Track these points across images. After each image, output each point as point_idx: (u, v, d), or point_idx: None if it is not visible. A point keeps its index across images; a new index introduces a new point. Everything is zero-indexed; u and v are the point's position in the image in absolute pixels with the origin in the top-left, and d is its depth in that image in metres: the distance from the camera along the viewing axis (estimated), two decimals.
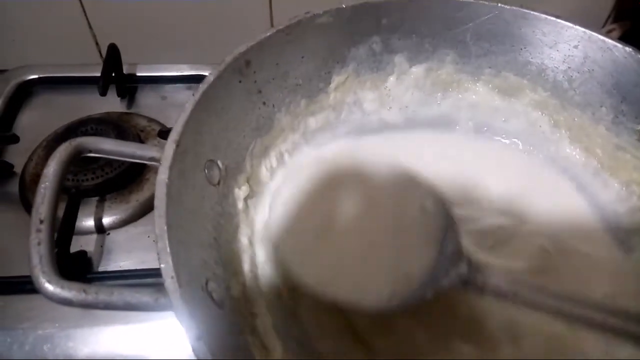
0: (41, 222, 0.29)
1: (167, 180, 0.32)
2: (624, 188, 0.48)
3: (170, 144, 0.34)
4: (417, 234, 0.41)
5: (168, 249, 0.30)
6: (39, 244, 0.29)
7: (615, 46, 0.47)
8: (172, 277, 0.29)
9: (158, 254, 0.30)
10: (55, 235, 0.47)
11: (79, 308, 0.29)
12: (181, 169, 0.34)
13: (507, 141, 0.54)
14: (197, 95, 0.37)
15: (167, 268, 0.29)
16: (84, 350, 0.46)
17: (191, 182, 0.36)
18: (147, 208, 0.54)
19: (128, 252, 0.52)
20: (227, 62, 0.40)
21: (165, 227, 0.30)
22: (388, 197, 0.43)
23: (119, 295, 0.29)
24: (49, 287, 0.28)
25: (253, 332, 0.35)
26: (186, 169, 0.35)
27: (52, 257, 0.29)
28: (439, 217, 0.41)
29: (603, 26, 0.78)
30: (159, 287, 0.30)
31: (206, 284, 0.33)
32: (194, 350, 0.27)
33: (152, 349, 0.46)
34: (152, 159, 0.36)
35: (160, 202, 0.31)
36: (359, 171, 0.45)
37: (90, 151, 0.34)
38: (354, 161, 0.47)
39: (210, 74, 0.39)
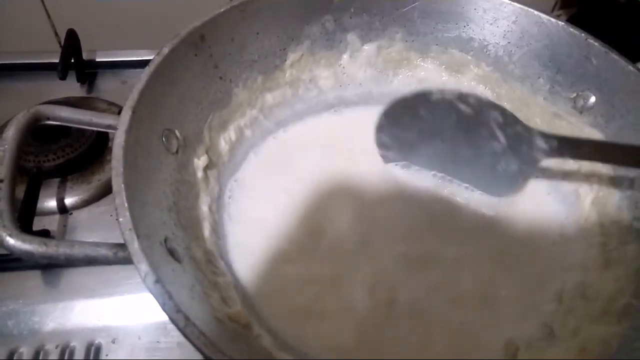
0: (1, 181, 0.30)
1: (123, 143, 0.34)
2: None
3: (126, 110, 0.36)
4: None
5: (126, 204, 0.31)
6: None
7: (549, 20, 0.50)
8: (130, 229, 0.30)
9: (116, 209, 0.31)
10: (16, 214, 0.48)
11: (40, 261, 0.30)
12: (138, 135, 0.36)
13: None
14: (153, 66, 0.39)
15: (125, 221, 0.30)
16: (50, 325, 0.46)
17: (148, 148, 0.37)
18: (109, 188, 0.52)
19: (91, 231, 0.52)
20: (181, 35, 0.42)
21: (123, 185, 0.32)
22: None
23: (79, 248, 0.30)
24: (10, 240, 0.29)
25: (213, 287, 0.37)
26: (143, 136, 0.37)
27: (13, 213, 0.30)
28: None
29: (551, 12, 0.82)
30: (120, 243, 0.32)
31: (165, 241, 0.34)
32: (152, 293, 0.28)
33: (119, 322, 0.46)
34: (109, 126, 0.37)
35: (117, 163, 0.33)
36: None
37: (48, 118, 0.35)
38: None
39: (165, 47, 0.41)
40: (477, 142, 0.47)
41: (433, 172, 0.51)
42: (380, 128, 0.50)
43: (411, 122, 0.48)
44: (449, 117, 0.47)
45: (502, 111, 0.46)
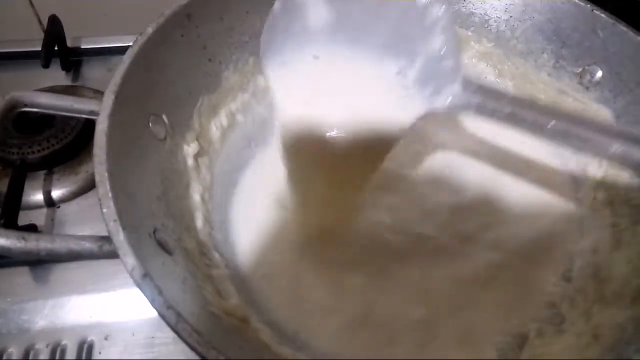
0: None
1: (106, 129, 0.32)
2: None
3: (108, 94, 0.33)
4: None
5: (110, 194, 0.29)
6: None
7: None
8: (114, 220, 0.28)
9: (100, 199, 0.29)
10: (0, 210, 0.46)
11: (20, 257, 0.28)
12: (122, 120, 0.34)
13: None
14: (136, 47, 0.37)
15: (109, 212, 0.28)
16: (40, 323, 0.45)
17: (133, 134, 0.35)
18: None
19: (80, 224, 0.50)
20: (166, 15, 0.40)
21: (106, 174, 0.30)
22: None
23: (61, 242, 0.28)
24: None
25: (207, 279, 0.35)
26: (127, 121, 0.34)
27: None
28: None
29: None
30: (105, 236, 0.30)
31: (154, 232, 0.32)
32: (140, 288, 0.26)
33: (112, 319, 0.45)
34: (91, 112, 0.35)
35: (99, 150, 0.31)
36: None
37: (26, 105, 0.33)
38: None
39: (149, 26, 0.38)
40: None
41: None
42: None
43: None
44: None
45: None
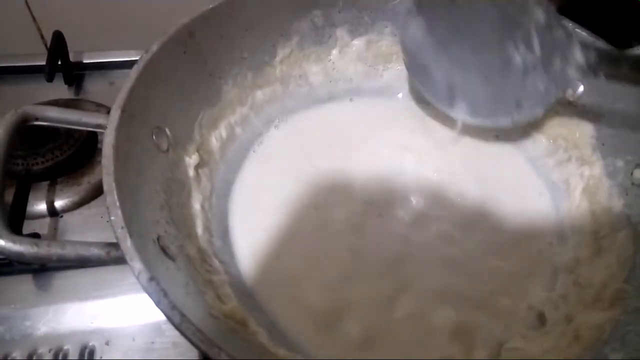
0: None
1: (113, 141, 0.33)
2: (551, 141, 0.52)
3: (116, 109, 0.35)
4: None
5: (117, 203, 0.31)
6: None
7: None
8: (122, 227, 0.30)
9: (108, 208, 0.31)
10: (6, 217, 0.48)
11: (33, 263, 0.29)
12: (127, 133, 0.36)
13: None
14: (141, 63, 0.39)
15: (117, 220, 0.30)
16: (42, 328, 0.45)
17: (138, 147, 0.37)
18: (99, 189, 0.54)
19: (82, 233, 0.52)
20: (170, 33, 0.42)
21: (114, 184, 0.32)
22: None
23: (71, 248, 0.30)
24: (0, 241, 0.29)
25: (208, 284, 0.37)
26: (132, 134, 0.36)
27: (2, 216, 0.30)
28: None
29: None
30: (112, 242, 0.31)
31: (158, 239, 0.34)
32: (146, 291, 0.28)
33: (112, 324, 0.46)
34: (98, 125, 0.37)
35: (107, 162, 0.33)
36: None
37: (37, 118, 0.35)
38: None
39: (154, 44, 0.40)
40: (507, 52, 0.44)
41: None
42: (409, 22, 0.48)
43: (444, 12, 0.46)
44: (486, 13, 0.45)
45: (547, 8, 0.43)
